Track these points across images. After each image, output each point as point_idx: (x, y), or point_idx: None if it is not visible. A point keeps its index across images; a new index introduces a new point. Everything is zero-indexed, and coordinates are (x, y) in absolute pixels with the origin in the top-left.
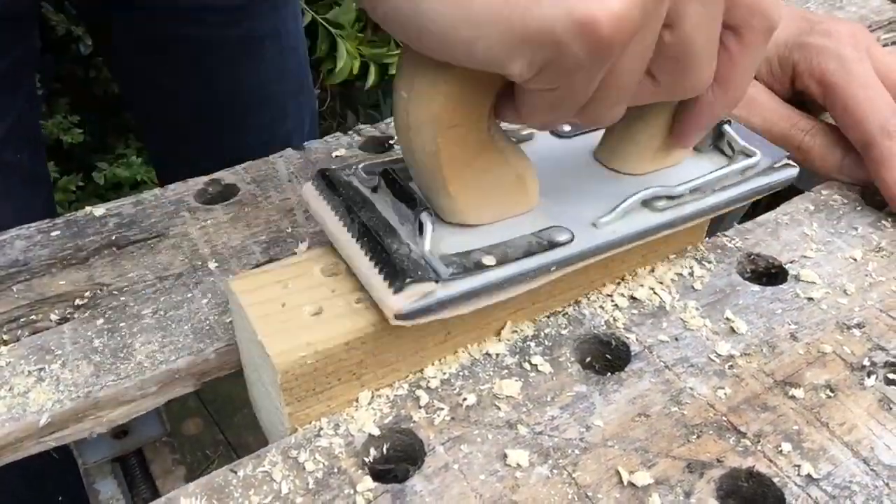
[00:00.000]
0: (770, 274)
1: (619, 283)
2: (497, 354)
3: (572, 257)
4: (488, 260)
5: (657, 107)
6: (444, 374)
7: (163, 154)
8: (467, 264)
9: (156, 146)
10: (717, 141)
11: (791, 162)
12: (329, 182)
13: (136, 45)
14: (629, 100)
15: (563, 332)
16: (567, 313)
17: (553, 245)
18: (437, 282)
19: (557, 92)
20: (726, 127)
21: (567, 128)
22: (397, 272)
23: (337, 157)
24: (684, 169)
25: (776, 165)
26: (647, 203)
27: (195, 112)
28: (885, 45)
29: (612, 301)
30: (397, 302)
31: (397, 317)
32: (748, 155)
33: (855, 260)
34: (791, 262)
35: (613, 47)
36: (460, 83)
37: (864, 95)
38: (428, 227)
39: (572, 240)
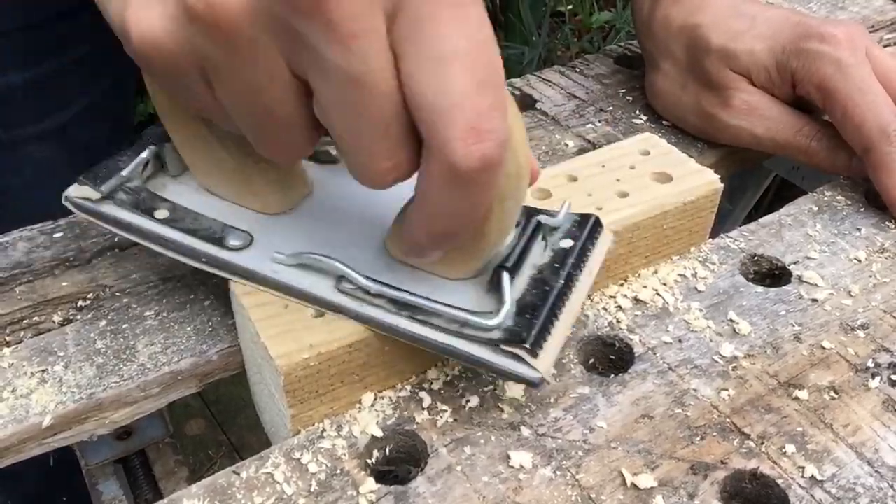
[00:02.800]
0: (773, 275)
1: (622, 285)
2: None
3: (223, 263)
4: (161, 213)
5: None
6: (447, 375)
7: None
8: (143, 203)
9: None
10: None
11: (528, 360)
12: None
13: None
14: (284, 142)
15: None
16: None
17: (219, 242)
18: (99, 196)
19: (174, 96)
20: (502, 273)
21: None
22: (91, 170)
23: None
24: (444, 287)
25: (504, 347)
26: (339, 278)
27: None
28: (887, 46)
29: (616, 302)
30: (70, 188)
31: (65, 198)
32: (489, 316)
33: (859, 261)
34: (795, 264)
35: (148, 65)
36: None
37: (863, 100)
38: (141, 156)
39: (242, 248)
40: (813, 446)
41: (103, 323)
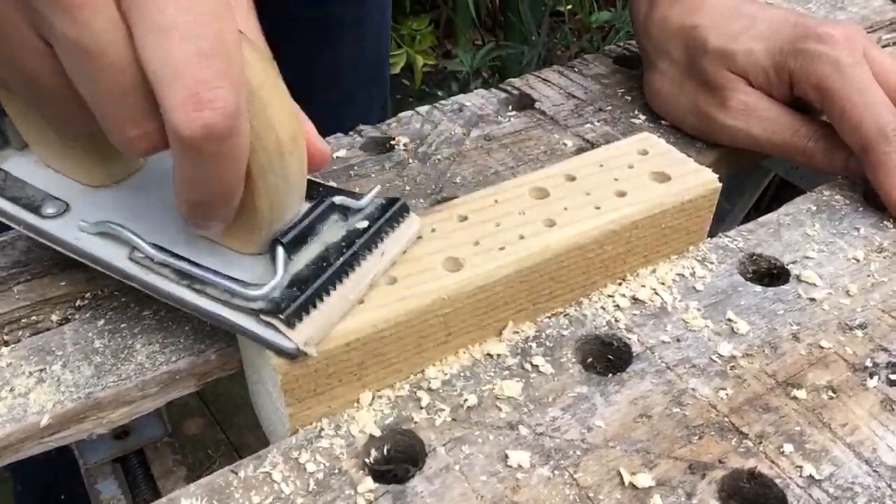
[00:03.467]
0: (772, 274)
1: (620, 284)
2: (498, 355)
3: (32, 228)
4: None
5: None
6: (446, 374)
7: None
8: None
9: None
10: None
11: (284, 330)
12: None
13: None
14: (56, 113)
15: (565, 332)
16: (568, 314)
17: (37, 210)
18: None
19: None
20: (277, 248)
21: None
22: None
23: (338, 157)
24: (239, 261)
25: (263, 317)
26: (132, 248)
27: None
28: (886, 46)
29: (614, 302)
30: None
31: None
32: (255, 287)
33: (857, 260)
34: (793, 263)
35: None
36: None
37: (861, 100)
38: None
39: (56, 216)
40: (811, 446)
41: (101, 322)
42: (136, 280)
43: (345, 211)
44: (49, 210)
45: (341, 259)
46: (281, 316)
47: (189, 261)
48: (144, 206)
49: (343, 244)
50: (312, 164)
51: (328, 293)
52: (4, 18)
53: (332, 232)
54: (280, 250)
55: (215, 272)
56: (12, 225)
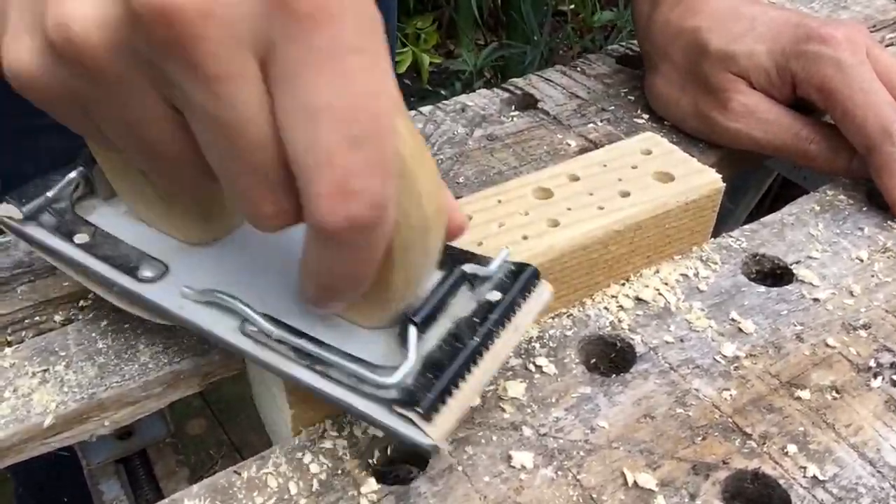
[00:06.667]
0: (775, 274)
1: (623, 284)
2: None
3: (132, 294)
4: (80, 237)
5: None
6: None
7: None
8: (64, 226)
9: None
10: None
11: (421, 425)
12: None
13: None
14: (176, 178)
15: (568, 333)
16: (572, 314)
17: (133, 272)
18: (22, 216)
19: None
20: (409, 328)
21: None
22: (19, 190)
23: None
24: (360, 335)
25: (397, 408)
26: (244, 320)
27: None
28: (889, 45)
29: (617, 302)
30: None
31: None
32: (387, 374)
33: (861, 260)
34: (796, 263)
35: (18, 90)
36: None
37: (865, 100)
38: (70, 175)
39: (154, 280)
40: (815, 446)
41: (105, 322)
42: (250, 356)
43: (472, 279)
44: (147, 273)
45: (475, 338)
46: (418, 409)
47: (308, 337)
48: (248, 269)
49: (475, 319)
50: (450, 236)
51: (464, 378)
52: (130, 83)
53: (461, 305)
54: (413, 331)
55: (340, 352)
56: (96, 289)
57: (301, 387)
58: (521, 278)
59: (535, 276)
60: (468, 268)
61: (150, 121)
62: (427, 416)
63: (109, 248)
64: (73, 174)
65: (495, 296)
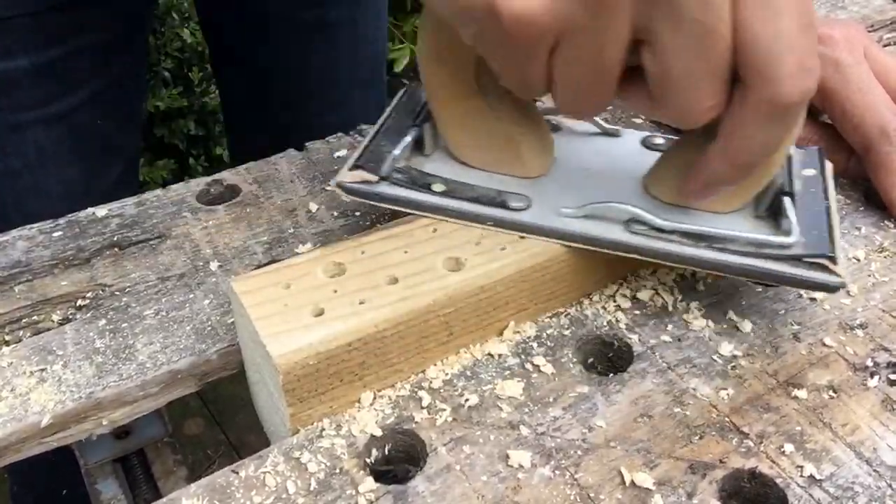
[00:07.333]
0: None
1: (621, 284)
2: (499, 355)
3: (511, 223)
4: (437, 187)
5: (702, 143)
6: (447, 374)
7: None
8: (417, 180)
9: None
10: (776, 210)
11: (832, 267)
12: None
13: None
14: (600, 96)
15: (566, 332)
16: (569, 314)
17: (502, 205)
18: (379, 177)
19: (504, 68)
20: (784, 198)
21: (660, 140)
22: (358, 157)
23: (339, 157)
24: (719, 218)
25: (807, 259)
26: (627, 222)
27: (258, 83)
28: (887, 45)
29: (615, 301)
30: (341, 174)
31: (338, 185)
32: (785, 234)
33: (858, 260)
34: None
35: (519, 39)
36: (446, 27)
37: (862, 100)
38: (406, 139)
39: (525, 209)
40: (812, 445)
41: (102, 322)
42: (644, 251)
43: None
44: (516, 204)
45: (826, 202)
46: (830, 254)
47: (695, 224)
48: (586, 188)
49: (812, 190)
50: None
51: (836, 231)
52: (620, 11)
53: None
54: (787, 200)
55: (728, 231)
56: (470, 224)
57: (703, 266)
58: (817, 156)
59: (823, 154)
60: (790, 151)
61: (615, 43)
62: (834, 260)
63: (468, 191)
64: (408, 136)
65: (810, 171)
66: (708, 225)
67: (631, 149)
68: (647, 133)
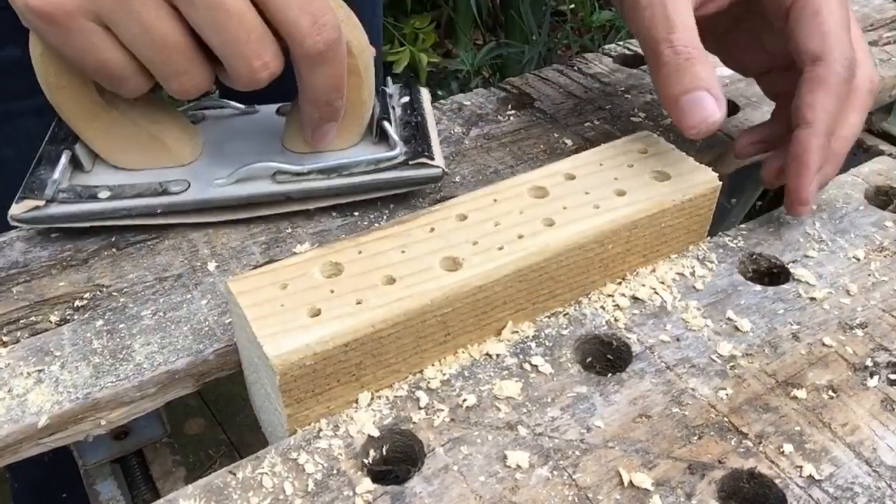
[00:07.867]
0: (772, 274)
1: (620, 283)
2: (497, 355)
3: (176, 204)
4: (103, 193)
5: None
6: (444, 374)
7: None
8: (83, 193)
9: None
10: (385, 134)
11: (430, 162)
12: None
13: None
14: (183, 68)
15: (564, 332)
16: (568, 313)
17: (165, 192)
18: (45, 200)
19: (78, 60)
20: (384, 123)
21: (288, 106)
22: (22, 190)
23: None
24: (345, 153)
25: (411, 162)
26: (273, 176)
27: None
28: (886, 44)
29: (613, 301)
30: (11, 209)
31: (11, 218)
32: (392, 149)
33: (857, 259)
34: (793, 262)
35: (41, 26)
36: (55, 55)
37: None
38: (62, 160)
39: (185, 191)
40: (811, 446)
41: (100, 323)
42: (291, 193)
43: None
44: (176, 188)
45: (417, 117)
46: (426, 154)
47: (326, 161)
48: (236, 157)
49: (408, 111)
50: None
51: (430, 136)
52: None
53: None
54: (386, 124)
55: (351, 158)
56: (142, 221)
57: (339, 192)
58: (412, 84)
59: (416, 80)
60: (384, 87)
61: (159, 18)
62: (431, 157)
63: (131, 190)
64: (63, 157)
65: (406, 98)
66: (335, 159)
67: (268, 119)
68: (280, 104)
